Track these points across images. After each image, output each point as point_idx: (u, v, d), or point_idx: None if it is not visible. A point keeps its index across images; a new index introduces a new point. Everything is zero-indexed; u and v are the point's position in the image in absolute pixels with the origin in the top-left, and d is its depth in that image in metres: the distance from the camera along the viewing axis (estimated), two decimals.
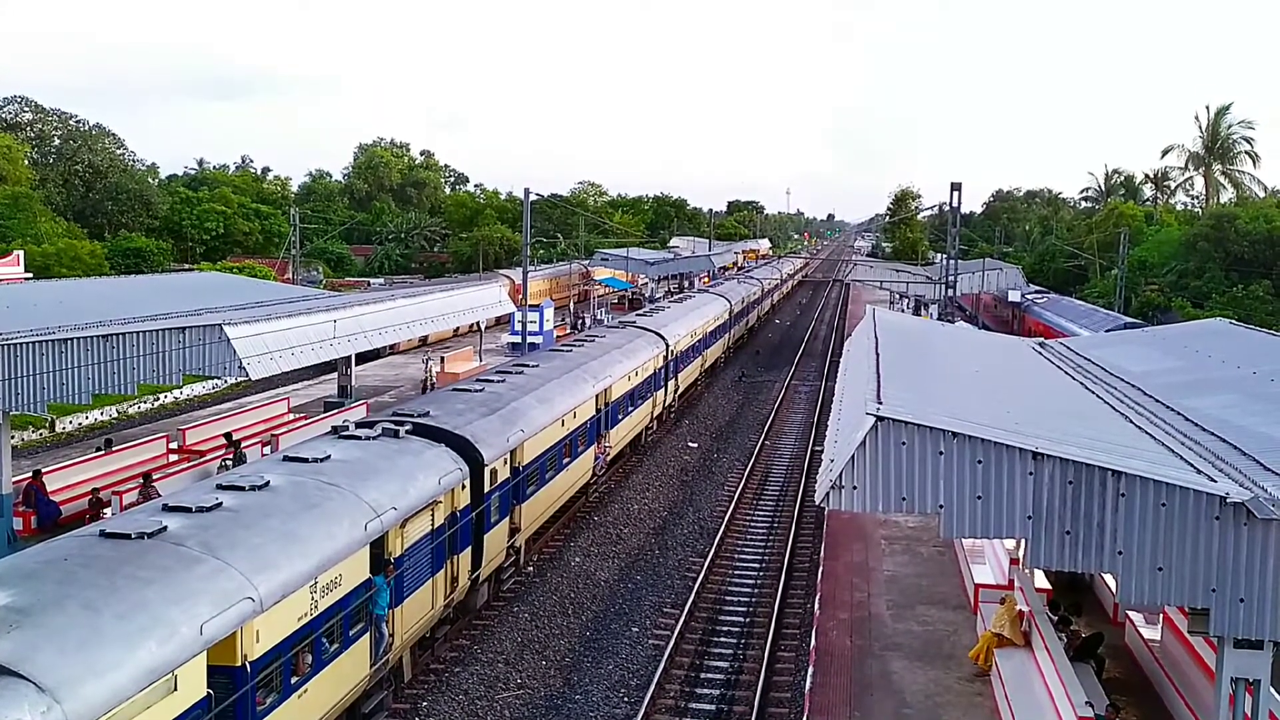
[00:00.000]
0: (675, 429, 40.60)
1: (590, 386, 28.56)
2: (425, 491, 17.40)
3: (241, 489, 14.72)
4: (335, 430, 19.18)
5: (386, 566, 16.05)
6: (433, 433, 19.59)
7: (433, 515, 17.71)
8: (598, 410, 29.22)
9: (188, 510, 13.54)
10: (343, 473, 16.27)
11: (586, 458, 28.35)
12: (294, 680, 13.43)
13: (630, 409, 33.40)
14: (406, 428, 19.21)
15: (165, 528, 12.77)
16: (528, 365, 28.58)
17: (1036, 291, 77.65)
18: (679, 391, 42.77)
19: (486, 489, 20.16)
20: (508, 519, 21.90)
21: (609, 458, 31.27)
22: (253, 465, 17.54)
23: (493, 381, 25.44)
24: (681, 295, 64.63)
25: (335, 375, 41.35)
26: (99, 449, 29.90)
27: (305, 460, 16.55)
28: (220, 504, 13.93)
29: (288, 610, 13.09)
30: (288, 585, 13.09)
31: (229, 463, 27.37)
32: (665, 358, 38.67)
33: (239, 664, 12.09)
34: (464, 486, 19.05)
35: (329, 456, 16.88)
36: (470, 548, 19.68)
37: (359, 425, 19.33)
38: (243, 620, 12.09)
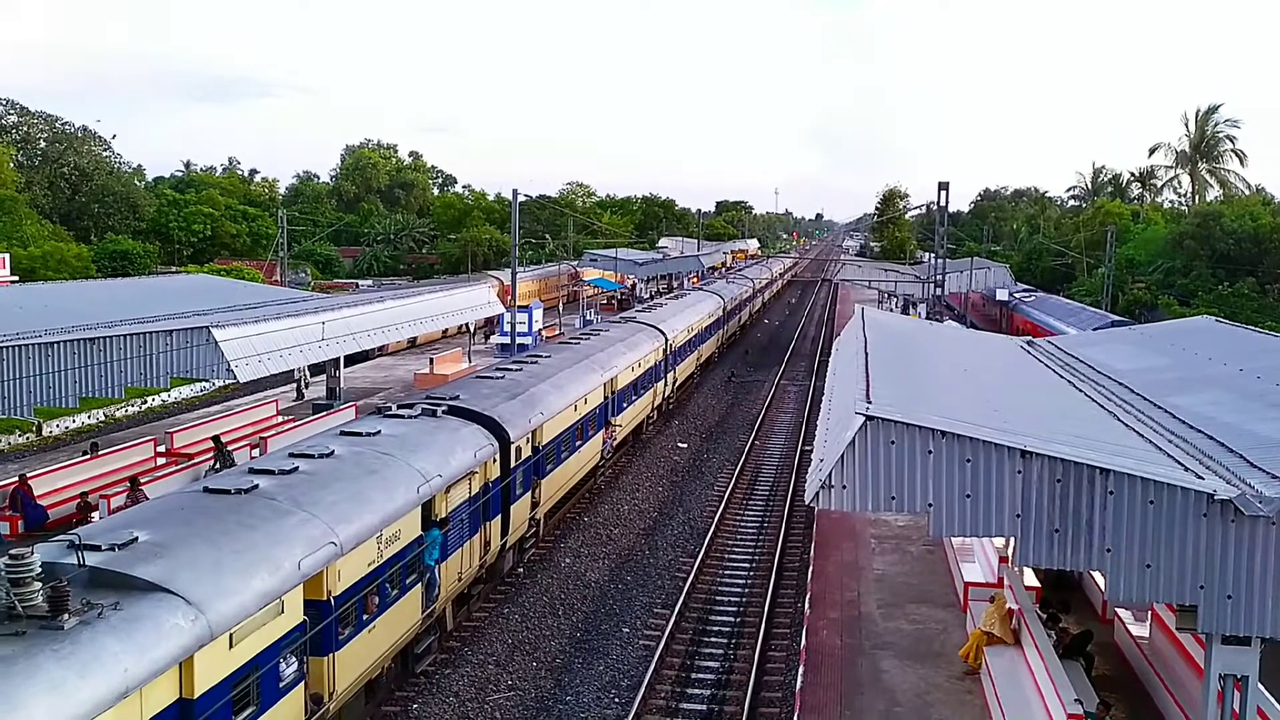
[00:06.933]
0: (665, 429, 40.61)
1: (598, 376, 30.43)
2: (464, 463, 19.53)
3: (312, 456, 16.79)
4: (380, 410, 21.35)
5: (442, 522, 18.29)
6: (466, 413, 21.58)
7: (470, 484, 19.85)
8: (605, 398, 31.14)
9: (271, 473, 15.63)
10: (394, 445, 18.31)
11: (595, 441, 30.21)
12: (365, 617, 15.56)
13: (634, 398, 35.28)
14: (443, 408, 21.31)
15: (257, 486, 14.83)
16: (541, 356, 30.46)
17: (1024, 290, 77.89)
18: (677, 384, 44.64)
19: (513, 464, 22.15)
20: (530, 493, 23.80)
21: (615, 443, 32.91)
22: (315, 438, 19.48)
23: (511, 370, 27.31)
24: (678, 293, 66.29)
25: (324, 377, 41.26)
26: (85, 453, 29.75)
27: (360, 434, 18.72)
28: (297, 468, 16.00)
29: (360, 556, 15.22)
30: (360, 535, 15.19)
31: (215, 466, 27.26)
32: (665, 351, 40.54)
33: (325, 598, 14.22)
34: (494, 460, 21.16)
35: (379, 432, 18.95)
36: (500, 516, 21.72)
37: (400, 406, 21.48)
38: (328, 561, 14.19)
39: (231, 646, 11.91)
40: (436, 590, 18.27)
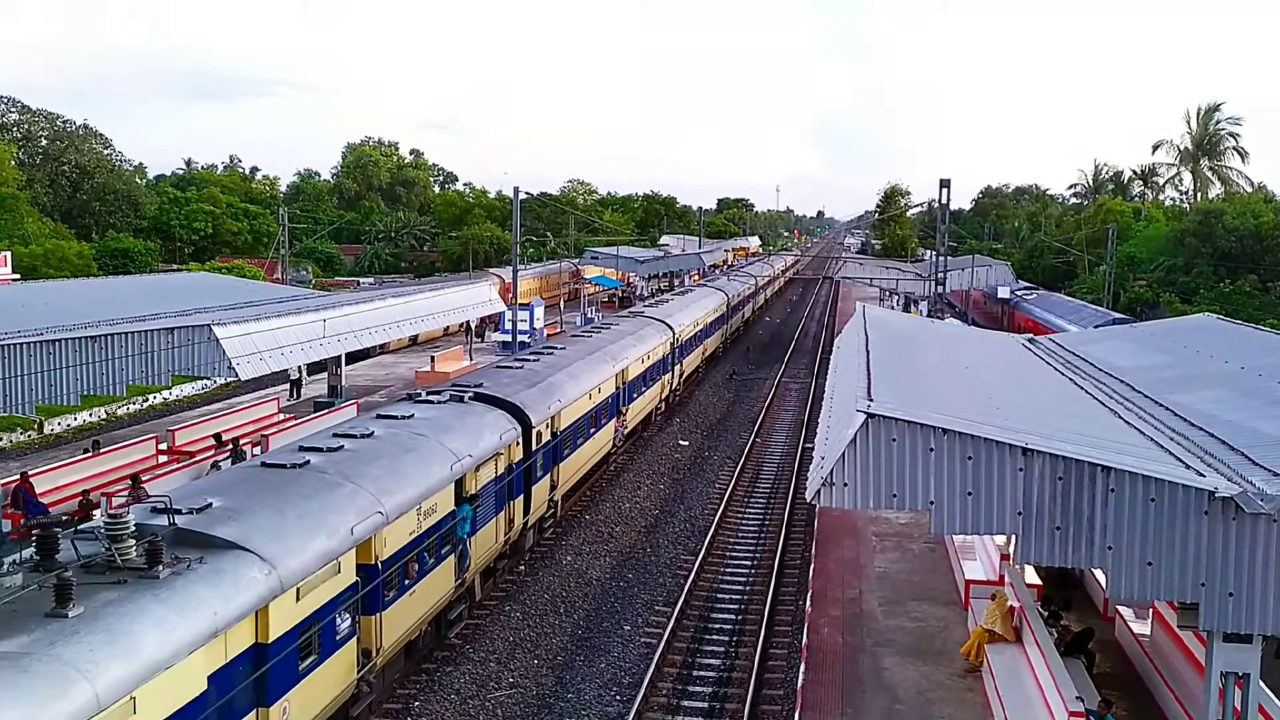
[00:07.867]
0: (667, 426, 40.62)
1: (611, 367, 31.85)
2: (491, 444, 20.98)
3: (354, 436, 18.23)
4: (410, 397, 22.75)
5: (473, 499, 19.68)
6: (490, 399, 23.01)
7: (496, 465, 21.22)
8: (617, 388, 32.60)
9: (320, 450, 17.09)
10: (428, 427, 19.77)
11: (608, 429, 31.75)
12: (406, 582, 17.01)
13: (644, 389, 36.66)
14: (469, 395, 22.73)
15: (309, 461, 16.29)
16: (556, 348, 31.80)
17: (1026, 288, 77.86)
18: (684, 376, 45.92)
19: (534, 447, 23.54)
20: (549, 476, 25.23)
21: (627, 431, 34.32)
22: (354, 420, 21.12)
23: (529, 360, 28.84)
24: (683, 289, 67.27)
25: (325, 375, 41.26)
26: (87, 450, 29.73)
27: (396, 417, 20.18)
28: (343, 446, 17.40)
29: (403, 526, 16.65)
30: (403, 506, 16.65)
31: (225, 463, 27.24)
32: (672, 344, 41.79)
33: (373, 562, 15.65)
34: (517, 443, 22.59)
35: (413, 415, 20.37)
36: (522, 495, 23.22)
37: (429, 393, 22.99)
38: (376, 529, 15.63)
39: (298, 600, 13.31)
40: (468, 561, 19.80)
